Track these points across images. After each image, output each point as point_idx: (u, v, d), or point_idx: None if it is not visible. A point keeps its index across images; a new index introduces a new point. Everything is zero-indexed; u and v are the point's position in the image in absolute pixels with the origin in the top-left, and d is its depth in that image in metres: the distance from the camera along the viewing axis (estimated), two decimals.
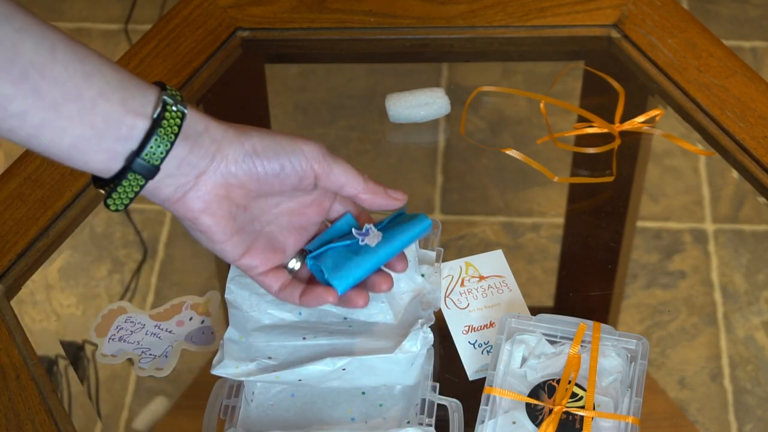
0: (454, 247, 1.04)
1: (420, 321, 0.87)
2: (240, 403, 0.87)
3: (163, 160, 0.72)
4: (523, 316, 0.90)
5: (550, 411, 0.84)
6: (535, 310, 0.94)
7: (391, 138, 1.14)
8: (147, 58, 1.13)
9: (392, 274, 0.91)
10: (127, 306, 0.98)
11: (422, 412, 0.86)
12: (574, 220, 1.10)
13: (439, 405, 0.87)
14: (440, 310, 0.95)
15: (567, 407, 0.84)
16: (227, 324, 0.88)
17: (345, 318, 0.91)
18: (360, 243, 0.82)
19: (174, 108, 0.72)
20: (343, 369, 0.85)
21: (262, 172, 0.76)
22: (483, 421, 0.84)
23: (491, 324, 0.95)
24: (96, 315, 0.98)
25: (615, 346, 0.88)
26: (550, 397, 0.85)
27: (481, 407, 0.84)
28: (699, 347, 1.03)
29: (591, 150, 1.09)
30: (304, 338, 0.88)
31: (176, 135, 0.72)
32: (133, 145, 0.71)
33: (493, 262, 1.00)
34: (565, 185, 1.10)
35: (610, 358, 0.87)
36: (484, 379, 0.86)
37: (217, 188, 0.75)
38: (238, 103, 1.19)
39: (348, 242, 0.82)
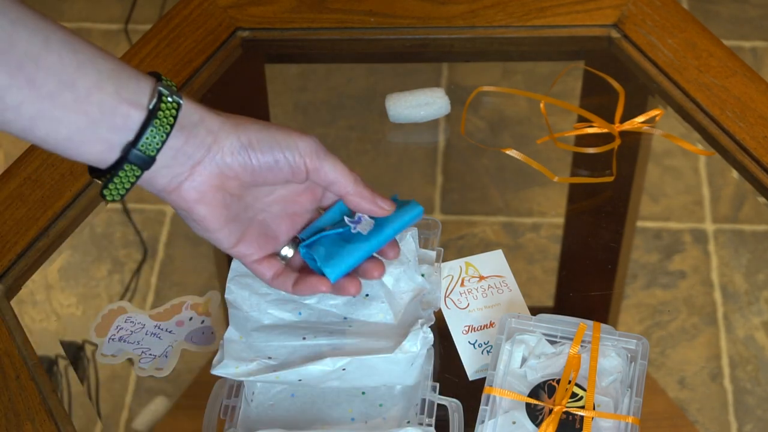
0: (454, 247, 1.04)
1: (420, 321, 0.87)
2: (240, 403, 0.87)
3: (159, 150, 0.72)
4: (523, 316, 0.90)
5: (550, 411, 0.84)
6: (535, 310, 0.94)
7: (391, 138, 1.14)
8: (147, 58, 1.13)
9: (391, 273, 0.91)
10: (127, 306, 0.98)
11: (422, 412, 0.85)
12: (574, 220, 1.10)
13: (439, 405, 0.87)
14: (440, 310, 0.95)
15: (567, 407, 0.84)
16: (227, 324, 0.88)
17: (345, 318, 0.91)
18: (352, 231, 0.83)
19: (170, 99, 0.73)
20: (343, 369, 0.85)
21: (256, 164, 0.77)
22: (483, 421, 0.84)
23: (491, 324, 0.95)
24: (96, 315, 0.98)
25: (615, 346, 0.88)
26: (550, 397, 0.85)
27: (481, 407, 0.84)
28: (699, 347, 1.03)
29: (591, 150, 1.09)
30: (304, 338, 0.88)
31: (172, 126, 0.72)
32: (129, 135, 0.71)
33: (493, 262, 1.00)
34: (565, 185, 1.10)
35: (610, 358, 0.87)
36: (484, 379, 0.86)
37: (212, 178, 0.76)
38: (238, 103, 1.19)
39: (340, 230, 0.83)
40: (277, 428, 0.82)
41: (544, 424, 0.83)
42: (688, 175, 1.17)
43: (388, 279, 0.91)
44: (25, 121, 0.68)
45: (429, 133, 1.14)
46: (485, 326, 0.95)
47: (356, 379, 0.86)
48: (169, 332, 0.96)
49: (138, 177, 0.73)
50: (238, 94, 1.19)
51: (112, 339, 0.95)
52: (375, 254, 0.84)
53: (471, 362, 0.93)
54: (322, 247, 0.83)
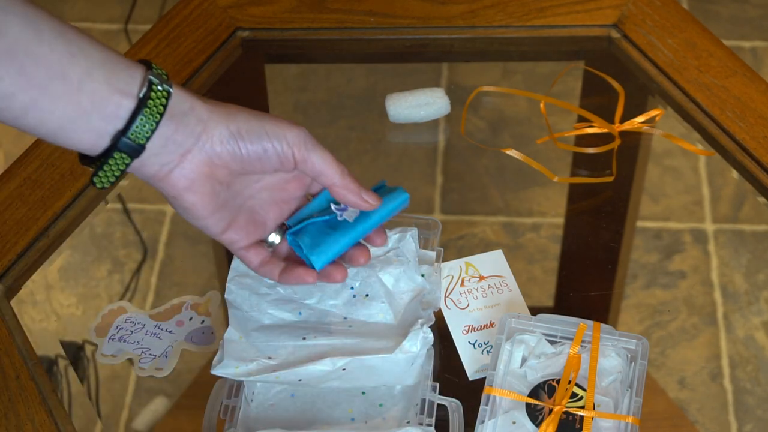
0: (454, 247, 1.04)
1: (420, 321, 0.87)
2: (240, 403, 0.87)
3: (148, 139, 0.73)
4: (523, 316, 0.90)
5: (550, 411, 0.84)
6: (535, 310, 0.94)
7: (391, 138, 1.14)
8: (147, 58, 1.13)
9: (391, 273, 0.91)
10: (127, 306, 0.98)
11: (422, 412, 0.85)
12: (574, 220, 1.10)
13: (439, 405, 0.87)
14: (440, 310, 0.95)
15: (567, 407, 0.84)
16: (227, 324, 0.88)
17: (345, 318, 0.91)
18: (338, 218, 0.83)
19: (160, 87, 0.73)
20: (343, 369, 0.85)
21: (245, 153, 0.77)
22: (483, 421, 0.84)
23: (491, 324, 0.95)
24: (96, 315, 0.97)
25: (615, 346, 0.88)
26: (550, 397, 0.85)
27: (481, 407, 0.84)
28: (699, 347, 1.03)
29: (591, 150, 1.09)
30: (304, 338, 0.88)
31: (162, 114, 0.73)
32: (119, 124, 0.72)
33: (493, 262, 1.00)
34: (565, 185, 1.10)
35: (610, 358, 0.87)
36: (484, 379, 0.86)
37: (201, 167, 0.76)
38: (238, 103, 1.18)
39: (326, 217, 0.83)
40: (277, 428, 0.82)
41: (544, 424, 0.83)
42: (688, 175, 1.17)
43: (388, 279, 0.91)
44: (18, 110, 0.69)
45: (429, 133, 1.14)
46: (485, 326, 0.95)
47: (356, 379, 0.86)
48: (169, 332, 0.96)
49: (128, 165, 0.74)
50: (238, 94, 1.19)
51: (112, 339, 0.95)
52: (361, 241, 0.85)
53: (471, 362, 0.93)
54: (308, 235, 0.83)
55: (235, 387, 0.88)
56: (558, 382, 0.85)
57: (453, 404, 0.87)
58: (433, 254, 0.96)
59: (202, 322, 0.97)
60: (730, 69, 1.10)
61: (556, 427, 0.82)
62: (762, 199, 1.05)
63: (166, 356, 0.94)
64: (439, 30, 1.17)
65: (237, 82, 1.17)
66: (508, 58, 1.22)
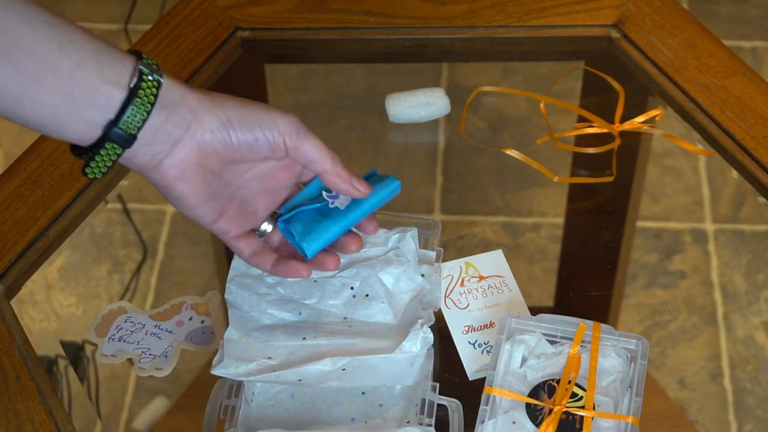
0: (454, 247, 1.04)
1: (420, 321, 0.87)
2: (240, 403, 0.87)
3: (139, 129, 0.73)
4: (523, 316, 0.90)
5: (550, 411, 0.84)
6: (535, 310, 0.94)
7: (391, 138, 1.14)
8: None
9: (391, 273, 0.91)
10: (127, 306, 0.98)
11: (422, 412, 0.85)
12: (574, 220, 1.10)
13: (439, 405, 0.87)
14: (440, 310, 0.95)
15: (567, 407, 0.84)
16: (227, 324, 0.88)
17: (345, 318, 0.91)
18: (330, 206, 0.83)
19: (150, 77, 0.73)
20: (343, 369, 0.85)
21: (236, 142, 0.77)
22: (483, 421, 0.84)
23: (491, 324, 0.95)
24: (96, 315, 0.97)
25: (615, 346, 0.88)
26: (550, 397, 0.85)
27: (481, 407, 0.84)
28: (699, 347, 1.03)
29: (591, 150, 1.09)
30: (304, 338, 0.88)
31: (153, 104, 0.73)
32: (110, 114, 0.72)
33: (493, 262, 1.00)
34: (565, 185, 1.10)
35: (610, 358, 0.87)
36: (484, 379, 0.86)
37: (192, 156, 0.76)
38: None
39: (318, 205, 0.84)
40: (277, 428, 0.82)
41: (544, 424, 0.83)
42: (688, 175, 1.17)
43: (388, 279, 0.91)
44: (9, 102, 0.69)
45: (429, 133, 1.14)
46: (485, 326, 0.95)
47: (356, 379, 0.86)
48: (169, 332, 0.96)
49: (119, 155, 0.74)
50: (238, 95, 1.19)
51: (112, 339, 0.95)
52: (353, 229, 0.85)
53: (471, 362, 0.93)
54: (300, 223, 0.84)
55: (235, 387, 0.88)
56: (558, 382, 0.85)
57: (453, 404, 0.87)
58: (433, 254, 0.96)
59: (202, 322, 0.97)
60: (730, 69, 1.10)
61: (556, 427, 0.82)
62: (762, 199, 1.05)
63: (166, 356, 0.94)
64: (439, 30, 1.17)
65: (237, 82, 1.17)
66: (508, 58, 1.22)
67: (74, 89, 0.70)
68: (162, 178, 0.77)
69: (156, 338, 0.95)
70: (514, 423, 0.84)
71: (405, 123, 1.11)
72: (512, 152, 1.09)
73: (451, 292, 0.97)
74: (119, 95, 0.72)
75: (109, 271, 1.09)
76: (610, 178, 1.07)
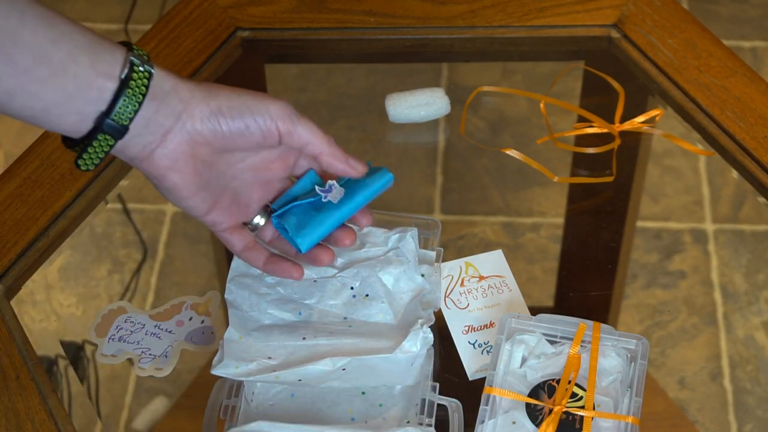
0: (454, 247, 1.04)
1: (420, 321, 0.87)
2: (240, 403, 0.87)
3: (132, 120, 0.73)
4: (523, 316, 0.90)
5: (550, 411, 0.84)
6: (535, 310, 0.94)
7: (391, 138, 1.14)
8: None
9: (391, 273, 0.91)
10: (127, 306, 0.98)
11: (422, 412, 0.85)
12: (574, 220, 1.10)
13: (439, 405, 0.87)
14: (440, 310, 0.95)
15: (567, 407, 0.84)
16: (227, 324, 0.88)
17: (345, 318, 0.91)
18: (323, 200, 0.83)
19: (141, 68, 0.73)
20: (343, 369, 0.85)
21: (226, 130, 0.78)
22: (483, 421, 0.84)
23: (491, 324, 0.95)
24: (96, 315, 0.97)
25: (615, 346, 0.88)
26: (550, 397, 0.85)
27: (481, 407, 0.84)
28: (699, 347, 1.03)
29: (591, 150, 1.09)
30: (304, 338, 0.88)
31: (144, 95, 0.73)
32: (103, 105, 0.72)
33: (493, 262, 1.00)
34: (565, 185, 1.10)
35: (610, 358, 0.87)
36: (484, 379, 0.86)
37: (183, 146, 0.76)
38: None
39: (311, 199, 0.84)
40: (277, 422, 0.82)
41: (544, 424, 0.83)
42: (688, 175, 1.17)
43: (388, 279, 0.91)
44: (2, 95, 0.69)
45: (429, 133, 1.14)
46: (485, 326, 0.95)
47: (356, 379, 0.86)
48: (169, 332, 0.96)
49: (111, 146, 0.74)
50: None
51: (112, 339, 0.95)
52: (347, 223, 0.85)
53: (471, 362, 0.93)
54: (294, 217, 0.84)
55: (235, 387, 0.88)
56: (558, 382, 0.85)
57: (453, 404, 0.87)
58: (433, 254, 0.96)
59: (202, 322, 0.97)
60: (730, 69, 1.10)
61: (556, 427, 0.82)
62: (762, 199, 1.05)
63: (166, 356, 0.94)
64: (439, 30, 1.17)
65: (237, 82, 1.16)
66: (508, 58, 1.22)
67: (67, 82, 0.70)
68: (153, 169, 0.77)
69: (156, 338, 0.95)
70: (514, 423, 0.84)
71: (405, 123, 1.11)
72: (512, 152, 1.09)
73: (451, 292, 0.97)
74: (111, 86, 0.72)
75: (109, 271, 1.09)
76: (610, 178, 1.07)
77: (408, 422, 0.86)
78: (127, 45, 0.75)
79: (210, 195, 0.80)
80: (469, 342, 0.94)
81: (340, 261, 0.93)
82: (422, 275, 0.93)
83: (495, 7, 1.17)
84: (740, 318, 1.03)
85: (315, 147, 0.81)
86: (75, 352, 0.99)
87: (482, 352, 0.93)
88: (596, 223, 1.07)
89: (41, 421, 0.88)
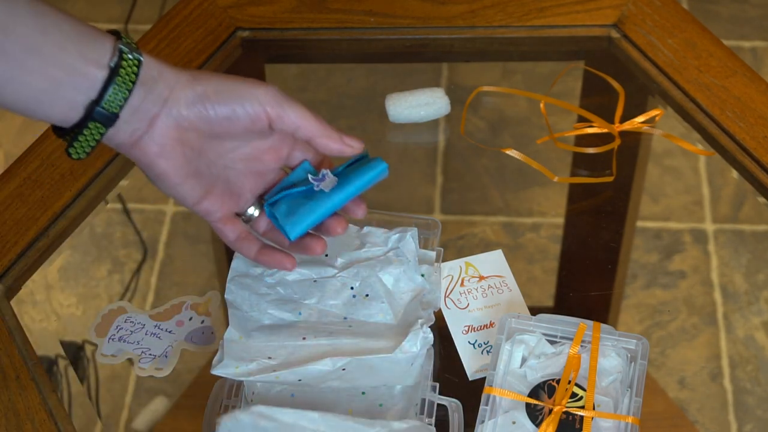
0: (454, 247, 1.04)
1: (420, 321, 0.87)
2: (240, 403, 0.87)
3: (122, 107, 0.74)
4: (523, 316, 0.90)
5: (550, 411, 0.84)
6: (535, 310, 0.94)
7: (391, 138, 1.14)
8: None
9: (391, 273, 0.91)
10: (127, 306, 0.98)
11: (422, 412, 0.85)
12: (574, 220, 1.10)
13: (439, 405, 0.87)
14: (440, 310, 0.95)
15: (567, 407, 0.84)
16: (227, 324, 0.88)
17: (345, 318, 0.91)
18: (315, 189, 0.83)
19: (130, 56, 0.74)
20: (343, 369, 0.85)
21: (213, 115, 0.77)
22: (483, 421, 0.84)
23: (491, 324, 0.95)
24: (96, 315, 0.97)
25: (615, 346, 0.88)
26: (550, 397, 0.85)
27: (481, 407, 0.84)
28: (699, 347, 1.03)
29: (591, 150, 1.09)
30: (304, 338, 0.88)
31: (134, 82, 0.74)
32: (93, 94, 0.73)
33: (493, 262, 1.00)
34: (565, 185, 1.10)
35: (610, 358, 0.87)
36: (484, 379, 0.86)
37: (170, 131, 0.76)
38: None
39: (303, 188, 0.83)
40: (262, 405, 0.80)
41: (544, 424, 0.83)
42: (688, 175, 1.17)
43: (388, 279, 0.91)
44: None
45: (429, 133, 1.14)
46: (485, 326, 0.95)
47: (356, 379, 0.86)
48: (169, 332, 0.96)
49: (102, 134, 0.74)
50: None
51: (112, 339, 0.95)
52: (340, 212, 0.84)
53: (471, 362, 0.93)
54: (285, 205, 0.84)
55: (235, 387, 0.88)
56: (558, 382, 0.85)
57: (453, 404, 0.87)
58: (433, 254, 0.96)
59: (202, 322, 0.97)
60: (730, 69, 1.10)
61: (556, 427, 0.82)
62: (762, 199, 1.05)
63: (166, 356, 0.94)
64: (439, 30, 1.17)
65: None
66: (508, 58, 1.22)
67: (57, 71, 0.71)
68: (143, 156, 0.77)
69: (156, 338, 0.95)
70: (514, 423, 0.84)
71: (405, 123, 1.11)
72: (512, 152, 1.09)
73: (451, 292, 0.97)
74: (101, 75, 0.73)
75: (109, 271, 1.09)
76: (610, 178, 1.07)
77: None
78: (116, 33, 0.75)
79: (200, 183, 0.80)
80: (469, 342, 0.94)
81: (340, 261, 0.93)
82: (422, 275, 0.93)
83: (495, 7, 1.17)
84: (740, 318, 1.03)
85: (307, 129, 0.80)
86: (75, 352, 0.99)
87: (482, 352, 0.93)
88: (596, 223, 1.07)
89: (41, 421, 0.88)
